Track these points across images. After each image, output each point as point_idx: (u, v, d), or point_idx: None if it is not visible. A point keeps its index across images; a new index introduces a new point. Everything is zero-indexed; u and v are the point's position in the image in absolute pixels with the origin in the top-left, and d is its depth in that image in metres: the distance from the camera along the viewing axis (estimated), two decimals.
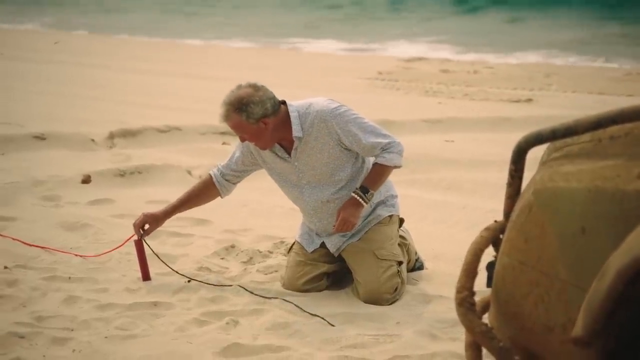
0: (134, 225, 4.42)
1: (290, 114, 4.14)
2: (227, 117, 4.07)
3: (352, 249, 4.30)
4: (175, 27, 26.34)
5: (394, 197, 4.44)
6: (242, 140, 4.18)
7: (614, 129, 2.14)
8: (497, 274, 2.30)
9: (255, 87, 4.10)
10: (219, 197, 4.54)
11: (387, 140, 4.12)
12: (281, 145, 4.23)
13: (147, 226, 4.44)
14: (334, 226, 4.17)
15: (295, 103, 4.20)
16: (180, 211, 4.52)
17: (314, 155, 4.18)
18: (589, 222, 2.01)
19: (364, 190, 4.12)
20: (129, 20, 28.77)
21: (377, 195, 4.30)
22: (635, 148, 2.05)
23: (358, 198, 4.11)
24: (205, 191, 4.50)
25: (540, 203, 2.17)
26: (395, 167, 4.18)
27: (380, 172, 4.16)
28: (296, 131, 4.13)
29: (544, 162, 2.35)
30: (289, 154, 4.22)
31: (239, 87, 4.12)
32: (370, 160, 4.26)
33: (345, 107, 4.17)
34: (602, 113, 2.07)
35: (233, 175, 4.45)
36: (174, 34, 23.32)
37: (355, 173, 4.24)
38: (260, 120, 4.05)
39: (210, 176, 4.49)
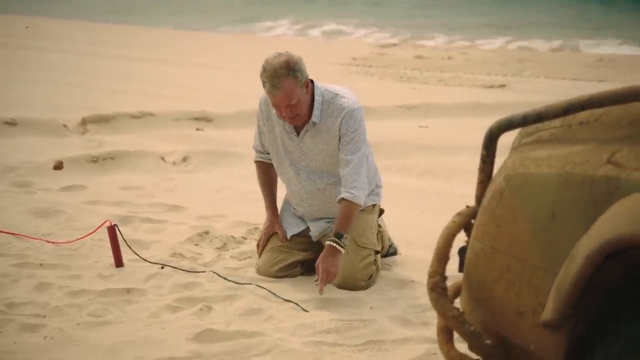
0: (260, 244, 4.41)
1: (316, 97, 4.13)
2: (280, 84, 3.94)
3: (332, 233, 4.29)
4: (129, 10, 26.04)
5: (379, 187, 4.44)
6: (286, 112, 4.02)
7: (583, 115, 2.15)
8: (469, 259, 2.32)
9: (287, 53, 4.05)
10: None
11: (358, 169, 4.09)
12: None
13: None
14: (317, 281, 4.09)
15: (322, 86, 4.18)
16: (275, 200, 4.48)
17: (320, 144, 4.18)
18: (560, 207, 2.03)
19: (339, 236, 4.10)
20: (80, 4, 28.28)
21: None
22: (604, 133, 2.07)
23: (335, 245, 4.09)
24: (268, 173, 4.44)
25: (512, 188, 2.19)
26: (359, 205, 4.15)
27: (348, 212, 4.11)
28: (315, 116, 4.12)
29: (515, 148, 2.37)
30: (298, 134, 4.21)
31: (270, 59, 4.01)
32: (371, 159, 4.28)
33: (362, 115, 4.16)
34: (571, 99, 2.08)
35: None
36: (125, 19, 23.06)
37: None
38: (305, 83, 4.02)
39: (260, 161, 4.45)
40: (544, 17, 22.14)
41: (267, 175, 4.47)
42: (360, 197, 4.11)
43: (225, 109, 8.99)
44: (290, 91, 3.97)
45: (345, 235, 4.11)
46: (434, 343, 3.24)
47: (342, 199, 4.09)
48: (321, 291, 4.05)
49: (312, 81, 4.14)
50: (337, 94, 4.16)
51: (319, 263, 4.10)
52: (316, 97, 4.12)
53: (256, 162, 4.50)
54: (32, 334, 3.54)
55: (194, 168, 6.81)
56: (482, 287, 2.24)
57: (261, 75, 3.99)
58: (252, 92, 10.32)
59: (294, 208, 4.44)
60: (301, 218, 4.41)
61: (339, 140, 4.14)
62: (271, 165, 4.44)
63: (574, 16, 21.75)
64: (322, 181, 4.25)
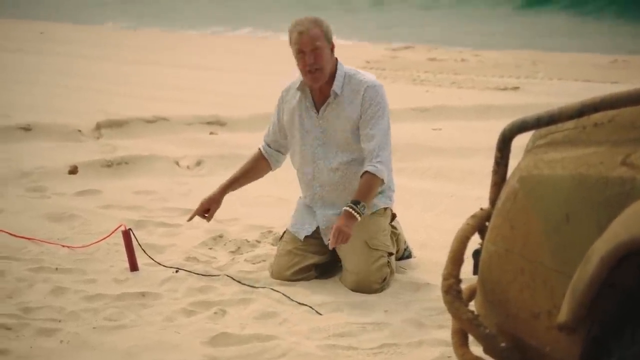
0: (196, 213, 4.47)
1: (338, 71, 4.25)
2: (307, 29, 4.12)
3: None
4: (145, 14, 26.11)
5: (392, 190, 4.44)
6: (309, 59, 4.13)
7: (597, 116, 2.15)
8: (483, 261, 2.31)
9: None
10: (271, 171, 4.61)
11: (383, 144, 4.15)
12: (313, 100, 4.30)
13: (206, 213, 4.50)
14: (329, 239, 4.10)
15: (345, 66, 4.31)
16: (235, 188, 4.55)
17: (340, 119, 4.24)
18: (574, 209, 2.02)
19: (356, 202, 4.09)
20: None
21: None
22: (618, 135, 2.07)
23: (351, 211, 4.08)
24: (255, 165, 4.56)
25: (525, 190, 2.18)
26: (382, 180, 4.18)
27: (370, 184, 4.13)
28: (336, 87, 4.22)
29: (529, 150, 2.36)
30: (318, 111, 4.28)
31: (305, 17, 4.22)
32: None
33: (384, 92, 4.27)
34: (585, 100, 2.08)
35: (276, 142, 4.51)
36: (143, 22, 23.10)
37: None
38: (331, 43, 4.18)
39: (259, 149, 4.56)
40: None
41: (254, 165, 4.55)
42: (383, 171, 4.14)
43: (239, 112, 9.01)
44: (316, 35, 4.14)
45: (362, 203, 4.09)
46: (449, 346, 3.24)
47: (366, 171, 4.13)
48: (331, 246, 4.10)
49: (336, 59, 4.28)
50: (358, 72, 4.31)
51: (336, 222, 4.11)
52: (338, 71, 4.25)
53: (258, 150, 4.56)
54: (48, 338, 3.56)
55: (207, 172, 6.83)
56: (496, 289, 2.24)
57: (289, 28, 4.17)
58: (265, 95, 10.35)
59: (304, 197, 4.43)
60: (312, 216, 4.40)
61: (361, 117, 4.19)
62: (266, 162, 4.53)
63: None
64: (336, 160, 4.27)
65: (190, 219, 4.54)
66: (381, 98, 4.22)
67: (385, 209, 4.36)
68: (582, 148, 2.11)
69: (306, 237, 4.38)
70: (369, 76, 4.30)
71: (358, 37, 20.81)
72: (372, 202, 4.23)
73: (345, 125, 4.23)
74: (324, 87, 4.25)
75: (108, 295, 4.04)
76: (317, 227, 4.39)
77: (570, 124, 2.24)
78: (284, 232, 4.51)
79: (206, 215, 4.50)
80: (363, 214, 4.10)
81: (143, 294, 4.08)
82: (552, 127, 2.28)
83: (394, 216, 4.49)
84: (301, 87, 4.33)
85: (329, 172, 4.29)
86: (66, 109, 9.19)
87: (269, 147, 4.53)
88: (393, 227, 4.48)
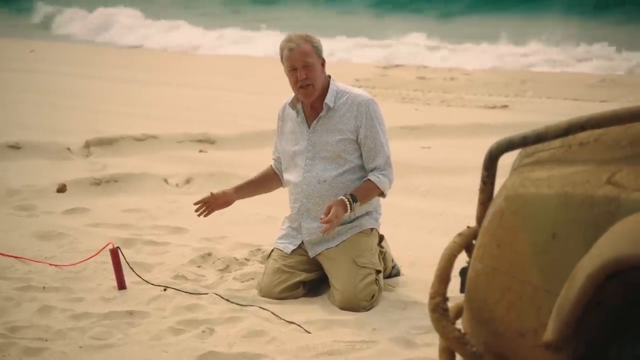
0: (204, 201, 4.48)
1: (330, 85, 4.34)
2: (298, 44, 4.21)
3: (331, 255, 4.30)
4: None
5: (379, 214, 4.48)
6: (301, 75, 4.21)
7: (583, 135, 2.16)
8: (470, 279, 2.32)
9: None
10: (282, 187, 4.67)
11: (389, 161, 4.32)
12: (304, 114, 4.38)
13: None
14: (321, 218, 4.13)
15: (337, 82, 4.41)
16: (247, 193, 4.62)
17: (331, 133, 4.30)
18: (560, 227, 2.03)
19: (354, 199, 4.17)
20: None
21: (367, 206, 4.34)
22: (604, 154, 2.08)
23: (346, 201, 4.15)
24: (268, 178, 4.65)
25: (512, 209, 2.19)
26: (382, 193, 4.31)
27: (370, 189, 4.26)
28: (329, 100, 4.30)
29: (515, 168, 2.37)
30: (309, 125, 4.34)
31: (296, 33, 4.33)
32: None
33: (379, 108, 4.37)
34: (571, 119, 2.09)
35: (280, 159, 4.59)
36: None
37: (358, 166, 4.31)
38: (321, 59, 4.28)
39: (270, 166, 4.65)
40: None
41: (267, 177, 4.64)
42: (385, 183, 4.27)
43: (228, 130, 9.01)
44: (306, 51, 4.22)
45: (358, 202, 4.18)
46: None
47: (368, 179, 4.25)
48: (324, 233, 4.13)
49: (329, 76, 4.36)
50: (350, 90, 4.38)
51: (332, 205, 4.12)
52: (331, 87, 4.34)
53: (270, 167, 4.65)
54: (35, 357, 3.54)
55: (197, 190, 6.81)
56: (483, 308, 2.24)
57: (281, 45, 4.27)
58: (255, 114, 10.36)
59: (291, 209, 4.43)
60: (297, 230, 4.40)
61: (359, 132, 4.26)
62: (277, 177, 4.60)
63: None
64: (324, 173, 4.30)
65: (198, 204, 4.50)
66: (378, 114, 4.32)
67: (372, 229, 4.38)
68: (568, 167, 2.12)
69: (294, 253, 4.38)
70: (362, 92, 4.39)
71: (347, 55, 20.80)
72: (361, 209, 4.29)
73: (336, 138, 4.28)
74: (316, 102, 4.32)
75: (95, 314, 4.03)
76: (302, 242, 4.39)
77: (556, 142, 2.25)
78: (272, 249, 4.51)
79: (210, 207, 4.50)
80: (353, 210, 4.18)
81: (130, 313, 4.06)
82: (539, 146, 2.29)
83: (381, 238, 4.50)
84: (293, 104, 4.38)
85: (316, 185, 4.31)
86: (55, 127, 9.17)
87: (278, 163, 4.60)
88: (380, 245, 4.48)
